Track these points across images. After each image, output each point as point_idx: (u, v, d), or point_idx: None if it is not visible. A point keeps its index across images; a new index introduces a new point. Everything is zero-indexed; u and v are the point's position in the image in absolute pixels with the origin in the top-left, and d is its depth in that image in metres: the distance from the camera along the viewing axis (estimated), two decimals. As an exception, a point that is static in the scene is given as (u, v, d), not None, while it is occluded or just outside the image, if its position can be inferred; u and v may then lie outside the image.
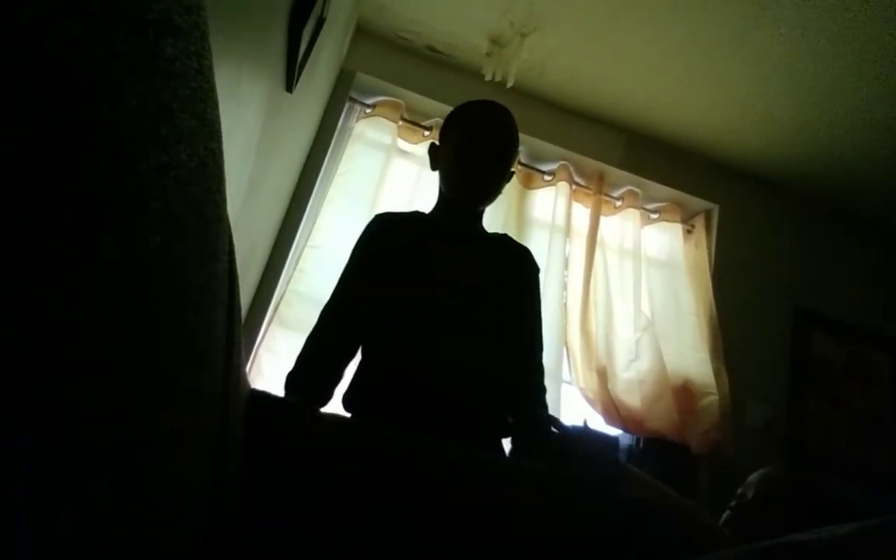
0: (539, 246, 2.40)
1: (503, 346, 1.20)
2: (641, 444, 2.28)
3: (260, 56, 1.10)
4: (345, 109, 2.45)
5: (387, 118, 2.44)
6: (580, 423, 1.05)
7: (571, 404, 2.28)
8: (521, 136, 2.56)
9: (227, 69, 0.87)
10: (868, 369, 2.56)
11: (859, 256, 2.74)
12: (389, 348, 1.14)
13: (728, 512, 1.27)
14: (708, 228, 2.67)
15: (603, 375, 2.26)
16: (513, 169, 1.34)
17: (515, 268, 1.33)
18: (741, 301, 2.51)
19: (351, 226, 2.23)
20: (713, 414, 2.19)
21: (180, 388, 0.35)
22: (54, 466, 0.22)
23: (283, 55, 1.31)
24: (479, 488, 0.87)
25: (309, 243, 2.20)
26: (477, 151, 1.28)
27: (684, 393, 2.27)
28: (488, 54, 2.38)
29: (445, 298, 1.16)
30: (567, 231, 2.45)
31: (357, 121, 2.48)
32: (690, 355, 2.34)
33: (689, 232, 2.67)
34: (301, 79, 1.48)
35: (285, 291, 2.12)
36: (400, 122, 2.47)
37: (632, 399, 2.24)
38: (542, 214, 2.52)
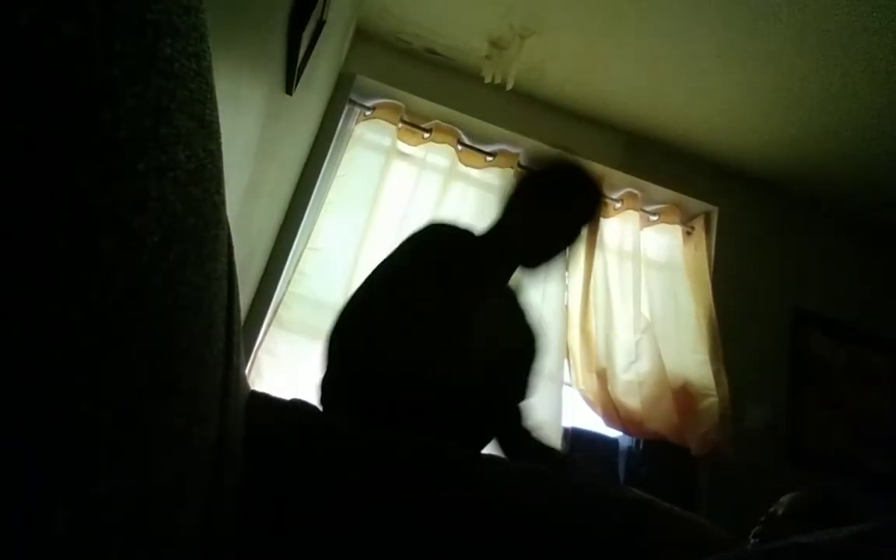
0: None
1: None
2: (641, 446, 2.28)
3: (260, 58, 1.10)
4: (344, 112, 2.46)
5: (386, 120, 2.45)
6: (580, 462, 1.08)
7: (572, 406, 2.28)
8: (521, 137, 2.58)
9: (226, 71, 0.87)
10: (867, 370, 2.56)
11: (858, 258, 2.74)
12: (400, 368, 1.13)
13: (758, 526, 1.29)
14: (707, 230, 2.67)
15: (603, 377, 2.26)
16: None
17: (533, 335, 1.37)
18: (741, 303, 2.51)
19: (351, 228, 2.23)
20: (713, 415, 2.19)
21: (179, 388, 0.35)
22: (53, 466, 0.22)
23: (283, 57, 1.32)
24: (480, 489, 0.87)
25: (309, 245, 2.20)
26: (568, 239, 1.33)
27: (684, 394, 2.27)
28: (488, 57, 2.38)
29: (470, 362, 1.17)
30: (567, 233, 2.45)
31: (357, 123, 2.48)
32: (690, 357, 2.34)
33: (688, 234, 2.67)
34: (301, 81, 1.49)
35: (285, 294, 2.12)
36: (400, 125, 2.47)
37: (632, 401, 2.24)
38: (541, 216, 2.52)
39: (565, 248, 1.32)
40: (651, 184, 2.64)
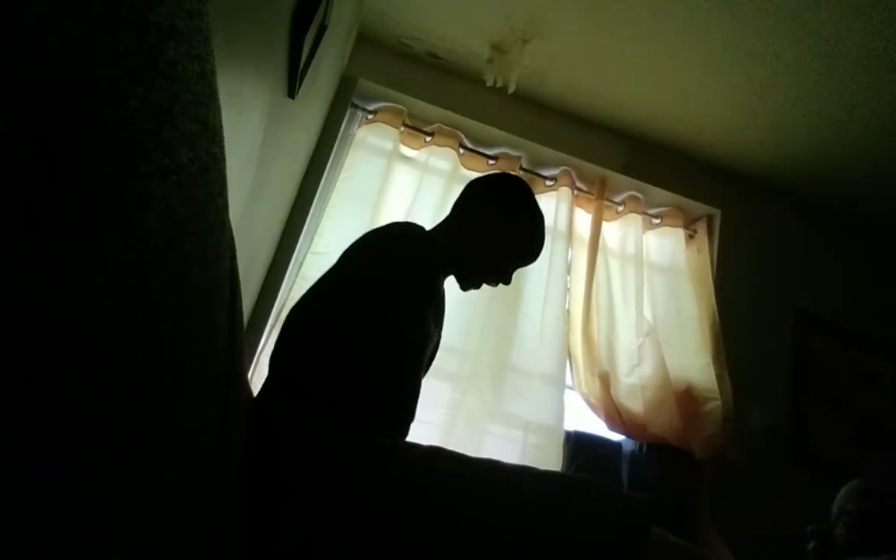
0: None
1: None
2: (644, 450, 2.27)
3: (262, 62, 1.10)
4: (346, 115, 2.46)
5: (389, 124, 2.45)
6: None
7: (574, 409, 2.28)
8: (523, 141, 2.59)
9: (229, 75, 0.87)
10: (870, 374, 2.55)
11: (861, 261, 2.73)
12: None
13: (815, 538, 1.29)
14: (710, 233, 2.66)
15: (605, 381, 2.26)
16: None
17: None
18: (743, 305, 2.50)
19: (353, 232, 2.22)
20: (716, 419, 2.18)
21: (181, 390, 0.35)
22: (55, 465, 0.22)
23: (286, 61, 1.32)
24: (482, 496, 0.87)
25: (311, 249, 2.20)
26: (515, 266, 1.35)
27: (687, 398, 2.26)
28: (490, 60, 2.38)
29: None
30: (569, 236, 2.45)
31: (359, 127, 2.49)
32: (693, 360, 2.33)
33: (691, 237, 2.66)
34: (303, 85, 1.49)
35: (287, 298, 2.12)
36: (402, 128, 2.47)
37: (634, 404, 2.23)
38: (543, 220, 2.52)
39: (502, 274, 1.33)
40: (653, 187, 2.63)
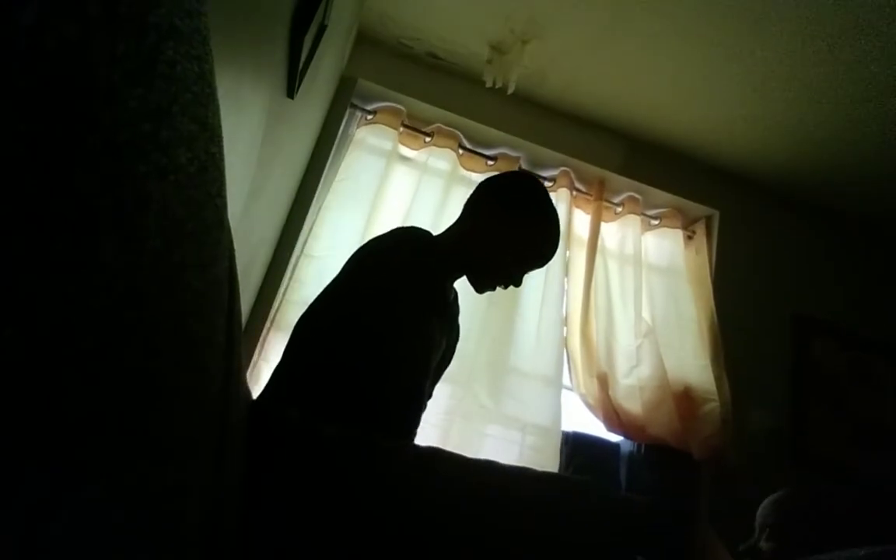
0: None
1: None
2: (643, 451, 2.27)
3: (261, 62, 1.10)
4: (346, 116, 2.46)
5: (388, 124, 2.45)
6: None
7: (572, 410, 2.28)
8: (522, 142, 2.59)
9: (228, 75, 0.87)
10: (869, 376, 2.55)
11: (860, 262, 2.73)
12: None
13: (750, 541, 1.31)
14: (709, 234, 2.67)
15: (604, 381, 2.26)
16: None
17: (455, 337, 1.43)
18: (742, 307, 2.51)
19: (349, 234, 2.22)
20: (714, 420, 2.18)
21: (179, 391, 0.35)
22: (54, 465, 0.22)
23: (285, 61, 1.32)
24: (481, 497, 0.87)
25: (305, 252, 2.20)
26: (527, 267, 1.32)
27: (685, 399, 2.26)
28: (489, 61, 2.38)
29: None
30: (567, 237, 2.45)
31: (358, 127, 2.48)
32: (691, 362, 2.33)
33: (689, 238, 2.67)
34: (302, 85, 1.49)
35: (283, 300, 2.12)
36: (401, 129, 2.47)
37: (633, 405, 2.23)
38: (542, 220, 2.52)
39: (515, 276, 1.32)
40: (652, 188, 2.63)
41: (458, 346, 1.49)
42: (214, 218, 0.40)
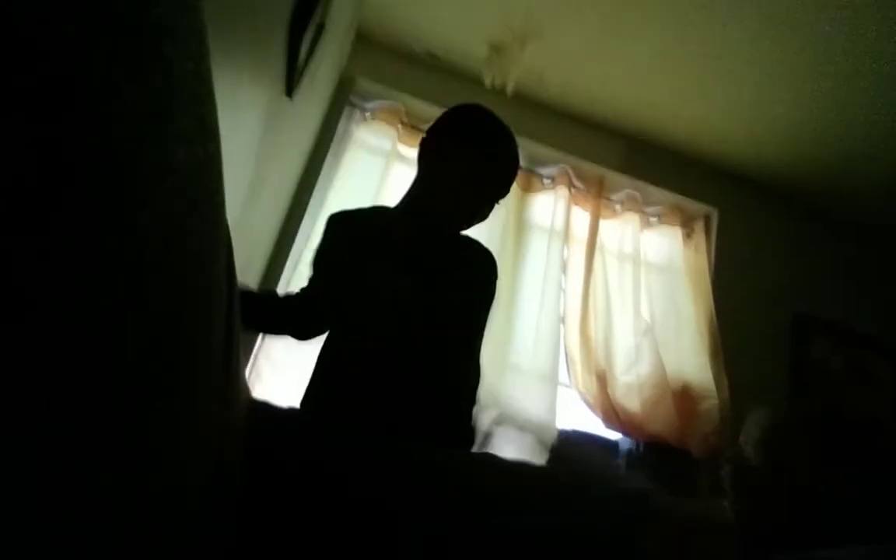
0: (538, 250, 2.40)
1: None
2: (641, 448, 2.28)
3: (260, 61, 1.10)
4: (345, 114, 2.46)
5: (387, 123, 2.45)
6: None
7: (571, 408, 2.28)
8: (521, 140, 2.58)
9: (227, 74, 0.87)
10: (867, 374, 2.55)
11: (859, 261, 2.74)
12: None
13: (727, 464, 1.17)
14: (707, 233, 2.67)
15: (603, 379, 2.26)
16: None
17: (464, 284, 1.23)
18: (741, 305, 2.51)
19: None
20: (713, 418, 2.18)
21: (178, 390, 0.35)
22: (52, 467, 0.22)
23: (284, 61, 1.32)
24: (480, 495, 0.87)
25: (305, 251, 2.20)
26: (488, 190, 1.21)
27: (684, 397, 2.26)
28: (488, 60, 2.38)
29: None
30: (566, 235, 2.45)
31: (357, 126, 2.48)
32: (690, 359, 2.33)
33: (688, 236, 2.67)
34: (301, 84, 1.49)
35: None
36: (400, 127, 2.47)
37: (631, 403, 2.24)
38: (541, 219, 2.52)
39: (492, 198, 1.23)
40: (651, 186, 2.64)
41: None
42: (213, 216, 0.40)
